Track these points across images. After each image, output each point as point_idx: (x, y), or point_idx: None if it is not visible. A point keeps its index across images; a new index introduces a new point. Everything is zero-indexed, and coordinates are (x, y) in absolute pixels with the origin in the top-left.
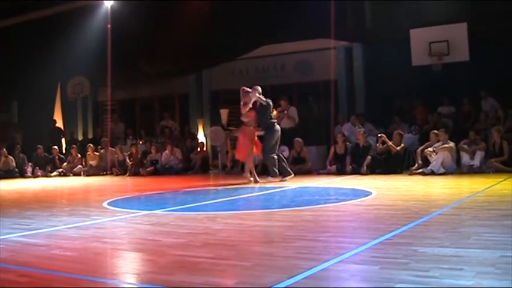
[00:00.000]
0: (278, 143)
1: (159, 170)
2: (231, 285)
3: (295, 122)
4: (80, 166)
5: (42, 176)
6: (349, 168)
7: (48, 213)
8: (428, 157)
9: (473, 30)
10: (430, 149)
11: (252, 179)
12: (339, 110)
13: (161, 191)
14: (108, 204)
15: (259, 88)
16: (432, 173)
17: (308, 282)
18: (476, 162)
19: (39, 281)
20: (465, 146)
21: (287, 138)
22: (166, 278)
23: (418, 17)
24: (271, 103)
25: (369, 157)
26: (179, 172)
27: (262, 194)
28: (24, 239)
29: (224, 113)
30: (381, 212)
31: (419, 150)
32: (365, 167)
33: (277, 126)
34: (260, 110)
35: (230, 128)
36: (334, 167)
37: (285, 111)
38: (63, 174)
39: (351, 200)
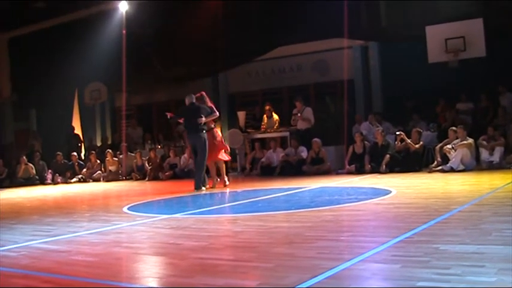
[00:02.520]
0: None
1: (178, 174)
2: (252, 287)
3: (310, 123)
4: (99, 172)
5: (62, 182)
6: (368, 167)
7: (68, 219)
8: (448, 154)
9: (490, 25)
10: (449, 146)
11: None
12: (356, 109)
13: (181, 195)
14: (128, 209)
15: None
16: (451, 170)
17: (330, 282)
18: (496, 158)
19: (62, 286)
20: (484, 142)
21: (305, 139)
22: (187, 281)
23: (433, 14)
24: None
25: (388, 156)
26: None
27: (282, 196)
28: (46, 246)
29: (242, 115)
30: (400, 210)
31: (438, 147)
32: (384, 166)
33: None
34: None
35: (248, 130)
36: (353, 167)
37: (299, 114)
38: (83, 181)
39: (371, 199)
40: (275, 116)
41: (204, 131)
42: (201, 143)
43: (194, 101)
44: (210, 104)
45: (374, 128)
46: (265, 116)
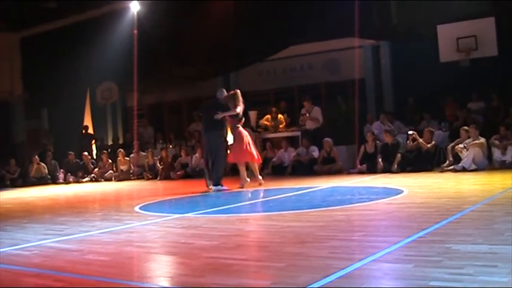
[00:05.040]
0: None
1: (190, 173)
2: (264, 286)
3: (319, 122)
4: (110, 171)
5: (74, 182)
6: (380, 165)
7: (80, 219)
8: (459, 154)
9: (501, 24)
10: (461, 145)
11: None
12: (367, 108)
13: (192, 194)
14: (140, 208)
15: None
16: (463, 170)
17: (342, 282)
18: (508, 157)
19: (74, 285)
20: (496, 142)
21: (314, 138)
22: (199, 281)
23: (444, 13)
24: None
25: (399, 155)
26: None
27: (293, 195)
28: (58, 245)
29: (253, 115)
30: (412, 210)
31: (449, 147)
32: (395, 165)
33: None
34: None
35: (259, 129)
36: (364, 166)
37: (307, 114)
38: (95, 180)
39: (383, 198)
40: (281, 117)
41: (219, 129)
42: (215, 140)
43: (221, 96)
44: (238, 103)
45: (385, 128)
46: (269, 116)
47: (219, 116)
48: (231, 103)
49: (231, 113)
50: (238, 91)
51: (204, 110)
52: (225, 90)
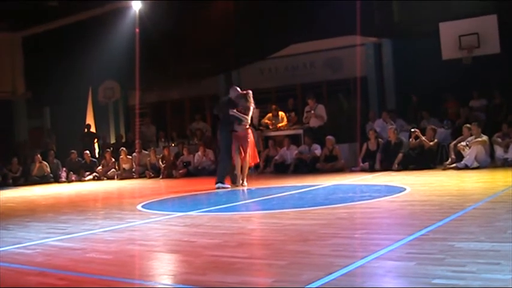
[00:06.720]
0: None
1: (192, 172)
2: (267, 284)
3: (323, 120)
4: (113, 170)
5: (76, 180)
6: (378, 165)
7: (83, 217)
8: (462, 151)
9: (504, 21)
10: (463, 143)
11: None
12: (369, 106)
13: (195, 193)
14: (142, 206)
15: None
16: (466, 168)
17: (344, 280)
18: (510, 155)
19: (76, 284)
20: (499, 139)
21: (318, 136)
22: (201, 279)
23: (446, 10)
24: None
25: (401, 154)
26: (212, 173)
27: (296, 193)
28: (61, 243)
29: (255, 113)
30: (415, 207)
31: (452, 144)
32: (396, 165)
33: None
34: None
35: (261, 127)
36: (366, 164)
37: (312, 111)
38: (97, 178)
39: (385, 196)
40: (282, 114)
41: (229, 128)
42: (223, 139)
43: (233, 95)
44: (249, 105)
45: (388, 126)
46: (270, 114)
47: (233, 113)
48: (241, 103)
49: (242, 116)
50: (250, 92)
51: (218, 108)
52: (238, 88)
